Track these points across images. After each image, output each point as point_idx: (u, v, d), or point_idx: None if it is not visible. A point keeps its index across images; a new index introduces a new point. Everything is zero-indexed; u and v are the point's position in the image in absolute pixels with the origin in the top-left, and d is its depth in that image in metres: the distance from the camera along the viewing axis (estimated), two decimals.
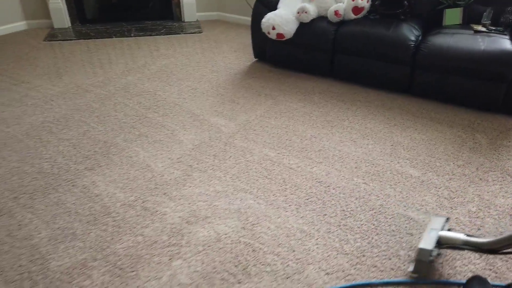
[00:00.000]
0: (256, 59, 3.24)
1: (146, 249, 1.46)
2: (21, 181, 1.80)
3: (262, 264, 1.40)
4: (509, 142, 2.11)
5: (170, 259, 1.42)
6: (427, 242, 1.33)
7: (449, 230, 1.49)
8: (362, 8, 2.62)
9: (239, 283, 1.33)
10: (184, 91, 2.69)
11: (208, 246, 1.47)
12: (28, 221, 1.58)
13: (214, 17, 4.44)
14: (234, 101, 2.57)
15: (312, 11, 2.68)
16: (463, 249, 1.32)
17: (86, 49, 3.45)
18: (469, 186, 1.79)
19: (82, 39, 3.67)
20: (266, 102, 2.55)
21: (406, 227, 1.56)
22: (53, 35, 3.72)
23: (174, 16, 4.28)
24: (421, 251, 1.31)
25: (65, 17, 3.91)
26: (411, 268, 1.36)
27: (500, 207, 1.66)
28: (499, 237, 1.24)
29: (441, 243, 1.35)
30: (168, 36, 3.84)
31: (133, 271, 1.37)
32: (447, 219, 1.47)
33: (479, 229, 1.55)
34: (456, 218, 1.60)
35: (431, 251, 1.30)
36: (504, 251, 1.24)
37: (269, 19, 2.69)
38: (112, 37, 3.74)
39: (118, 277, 1.35)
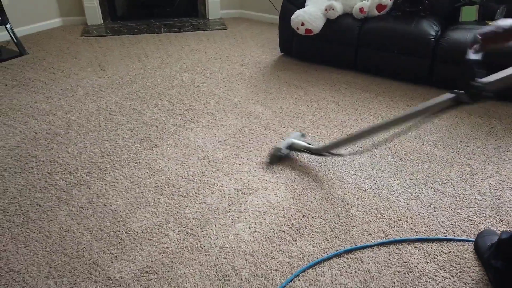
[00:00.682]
0: (282, 53, 3.46)
1: (210, 214, 1.69)
2: (90, 159, 2.04)
3: (313, 226, 1.63)
4: None
5: (232, 221, 1.65)
6: (280, 144, 2.02)
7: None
8: (385, 6, 2.84)
9: (295, 240, 1.56)
10: (220, 82, 2.92)
11: (264, 212, 1.70)
12: (105, 191, 1.81)
13: (236, 15, 4.66)
14: (267, 91, 2.79)
15: (339, 8, 2.90)
16: (303, 151, 2.01)
17: (122, 44, 3.69)
18: (488, 164, 2.00)
19: (116, 35, 3.90)
20: (297, 92, 2.77)
21: (434, 198, 1.78)
22: (88, 31, 3.95)
23: (199, 14, 4.51)
24: (274, 148, 2.01)
25: (98, 14, 4.15)
26: (267, 159, 2.03)
27: None
28: (322, 145, 1.88)
29: (292, 147, 2.02)
30: (195, 32, 4.07)
31: (203, 231, 1.60)
32: (303, 134, 2.17)
33: (499, 199, 1.77)
34: (478, 190, 1.82)
35: (280, 149, 1.99)
36: (324, 154, 1.92)
37: (299, 15, 2.92)
38: (144, 33, 3.97)
39: (191, 235, 1.58)
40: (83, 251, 1.50)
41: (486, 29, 1.29)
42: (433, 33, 2.69)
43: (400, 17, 2.85)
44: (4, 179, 1.88)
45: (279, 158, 2.01)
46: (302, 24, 2.92)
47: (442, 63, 2.68)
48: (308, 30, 2.95)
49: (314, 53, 3.17)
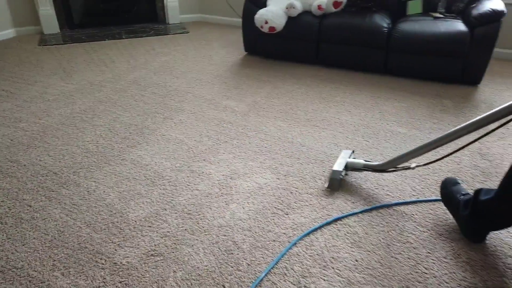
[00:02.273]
0: (247, 52, 3.60)
1: (204, 199, 1.77)
2: (74, 159, 2.04)
3: (301, 201, 1.76)
4: (468, 104, 2.62)
5: (226, 203, 1.74)
6: (338, 166, 1.85)
7: (354, 158, 1.99)
8: (340, 3, 3.07)
9: (287, 214, 1.68)
10: (191, 81, 3.00)
11: (254, 193, 1.80)
12: (95, 188, 1.83)
13: (196, 19, 4.75)
14: (238, 87, 2.91)
15: (299, 6, 3.09)
16: (362, 170, 1.85)
17: (84, 51, 3.65)
18: None
19: (76, 43, 3.85)
20: (267, 87, 2.92)
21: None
22: (46, 40, 3.86)
23: (159, 19, 4.55)
24: (334, 172, 1.82)
25: (55, 23, 4.06)
26: (326, 184, 1.86)
27: (470, 148, 2.13)
28: (385, 161, 1.75)
29: (348, 167, 1.87)
30: (158, 37, 4.11)
31: (199, 214, 1.67)
32: (353, 151, 2.01)
33: (458, 164, 2.00)
34: None
35: (341, 172, 1.82)
36: (389, 170, 1.75)
37: (262, 14, 3.07)
38: (105, 40, 3.94)
39: (189, 219, 1.65)
40: (85, 243, 1.52)
41: None
42: (385, 25, 2.95)
43: (354, 13, 3.09)
44: None
45: (340, 182, 1.83)
46: (266, 22, 3.08)
47: (395, 52, 2.94)
48: (272, 28, 3.11)
49: (278, 50, 3.34)
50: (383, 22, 2.97)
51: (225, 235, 1.57)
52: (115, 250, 1.49)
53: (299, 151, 2.11)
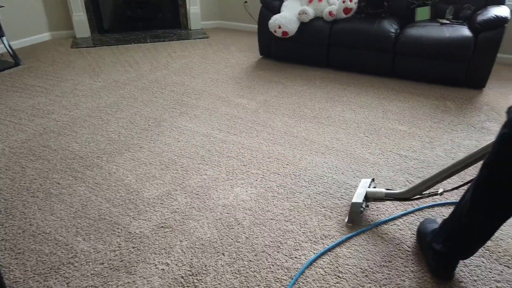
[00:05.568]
0: (262, 56, 3.80)
1: (211, 183, 1.95)
2: (98, 146, 2.27)
3: (300, 186, 1.91)
4: (471, 106, 2.72)
5: (231, 187, 1.91)
6: (358, 198, 1.68)
7: (374, 187, 1.82)
8: (351, 9, 3.23)
9: (287, 198, 1.84)
10: (207, 81, 3.21)
11: (259, 179, 1.97)
12: (115, 170, 2.04)
13: (216, 25, 5.00)
14: (250, 87, 3.10)
15: (311, 12, 3.27)
16: (385, 200, 1.70)
17: (112, 53, 3.93)
18: (443, 134, 2.36)
19: (105, 46, 4.15)
20: (277, 87, 3.09)
21: (399, 161, 2.11)
22: (78, 43, 4.18)
23: (181, 25, 4.82)
24: (353, 205, 1.66)
25: (86, 28, 4.39)
26: (346, 219, 1.69)
27: (467, 146, 2.24)
28: (408, 188, 1.62)
29: (368, 197, 1.72)
30: (179, 41, 4.37)
31: (206, 195, 1.86)
32: (372, 179, 1.85)
33: (453, 159, 2.11)
34: (436, 153, 2.16)
35: (361, 204, 1.66)
36: (413, 198, 1.61)
37: (276, 20, 3.26)
38: (131, 43, 4.23)
39: (197, 199, 1.83)
40: (104, 215, 1.73)
41: None
42: (393, 30, 3.09)
43: (364, 19, 3.24)
44: (22, 165, 2.09)
45: (360, 215, 1.70)
46: (279, 27, 3.27)
47: (402, 56, 3.07)
48: (284, 33, 3.29)
49: (290, 53, 3.52)
50: (390, 27, 3.10)
51: (228, 213, 1.74)
52: (130, 221, 1.69)
53: (302, 144, 2.27)
